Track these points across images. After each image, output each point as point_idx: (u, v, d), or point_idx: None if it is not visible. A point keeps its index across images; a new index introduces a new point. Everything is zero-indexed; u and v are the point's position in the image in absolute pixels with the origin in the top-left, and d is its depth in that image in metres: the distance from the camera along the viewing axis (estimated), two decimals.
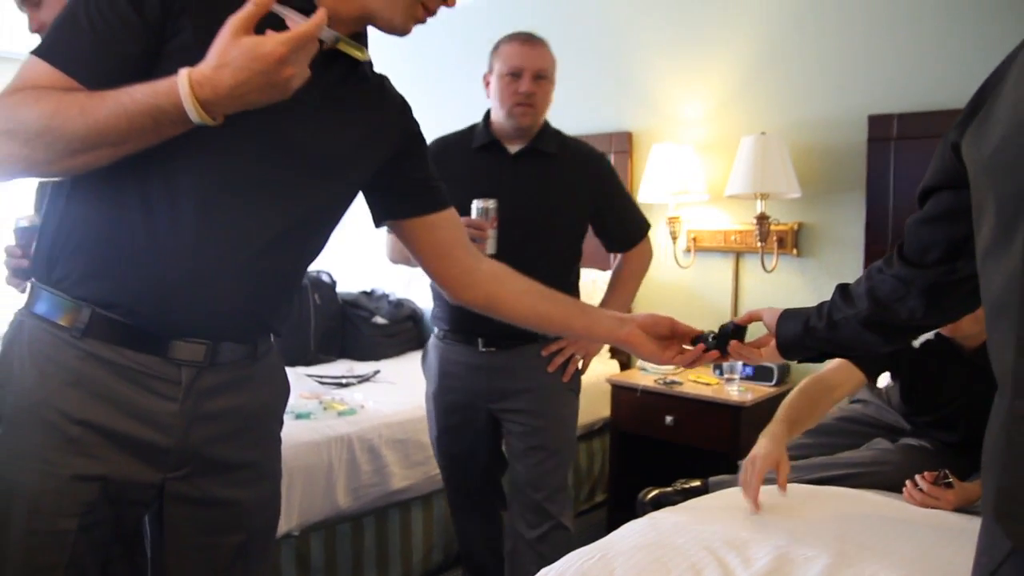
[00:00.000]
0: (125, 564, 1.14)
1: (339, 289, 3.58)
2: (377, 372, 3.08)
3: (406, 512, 2.54)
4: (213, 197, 1.01)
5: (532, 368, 2.06)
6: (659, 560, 1.37)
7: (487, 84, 2.05)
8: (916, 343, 1.87)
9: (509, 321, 1.37)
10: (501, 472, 2.18)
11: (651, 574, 1.33)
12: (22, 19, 1.49)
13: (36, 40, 1.41)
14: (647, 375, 2.95)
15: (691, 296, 3.15)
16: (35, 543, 0.99)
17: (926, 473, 1.72)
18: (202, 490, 1.10)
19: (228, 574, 1.16)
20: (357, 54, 1.05)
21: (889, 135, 2.63)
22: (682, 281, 3.16)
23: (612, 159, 3.18)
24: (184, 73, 0.87)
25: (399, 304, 3.61)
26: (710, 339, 1.32)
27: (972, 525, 0.90)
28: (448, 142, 2.11)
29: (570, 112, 3.24)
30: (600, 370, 3.10)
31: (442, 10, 1.10)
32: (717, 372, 2.85)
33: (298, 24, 0.89)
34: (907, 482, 1.74)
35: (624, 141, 3.28)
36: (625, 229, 2.19)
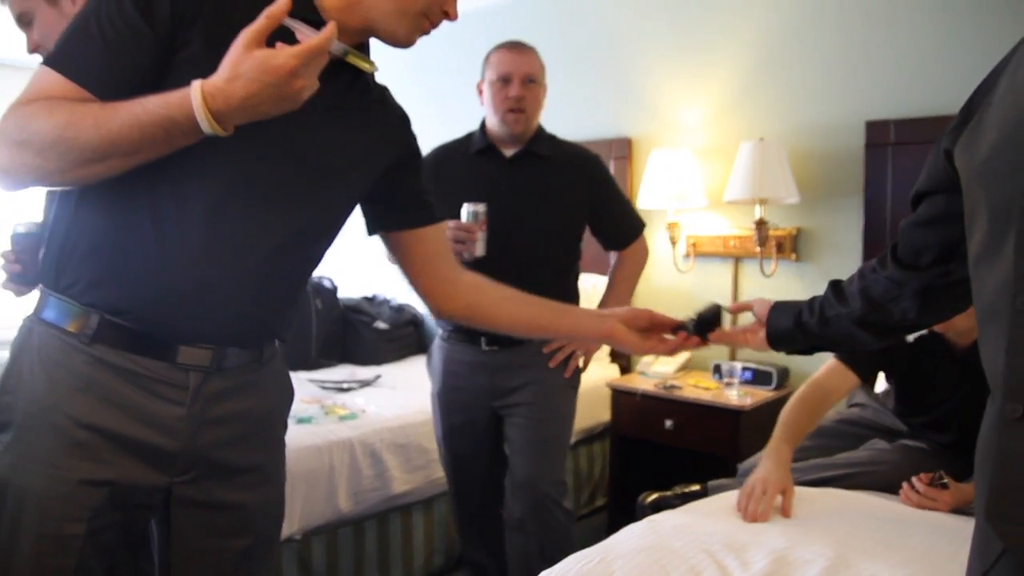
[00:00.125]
0: (130, 570, 1.15)
1: (340, 294, 3.60)
2: (378, 377, 3.09)
3: (407, 516, 2.55)
4: (221, 204, 1.02)
5: (533, 365, 2.12)
6: (658, 563, 1.38)
7: (480, 92, 2.14)
8: (909, 338, 1.88)
9: (493, 329, 1.39)
10: (502, 473, 2.21)
11: None
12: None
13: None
14: (647, 379, 2.96)
15: (691, 301, 3.16)
16: (44, 547, 1.00)
17: (922, 475, 1.74)
18: (209, 494, 1.11)
19: None
20: (366, 66, 1.06)
21: (886, 141, 2.65)
22: (682, 286, 3.17)
23: (612, 165, 3.20)
24: (197, 85, 0.88)
25: (400, 309, 3.63)
26: (690, 326, 1.35)
27: (968, 526, 0.91)
28: (447, 149, 2.21)
29: (570, 118, 3.26)
30: (600, 374, 3.12)
31: (444, 21, 1.11)
32: (717, 376, 2.86)
33: (308, 37, 0.91)
34: (904, 484, 1.75)
35: (623, 147, 3.30)
36: (620, 228, 2.25)
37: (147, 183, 0.99)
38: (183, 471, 1.09)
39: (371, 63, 1.06)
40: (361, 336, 3.46)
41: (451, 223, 1.99)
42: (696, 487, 2.12)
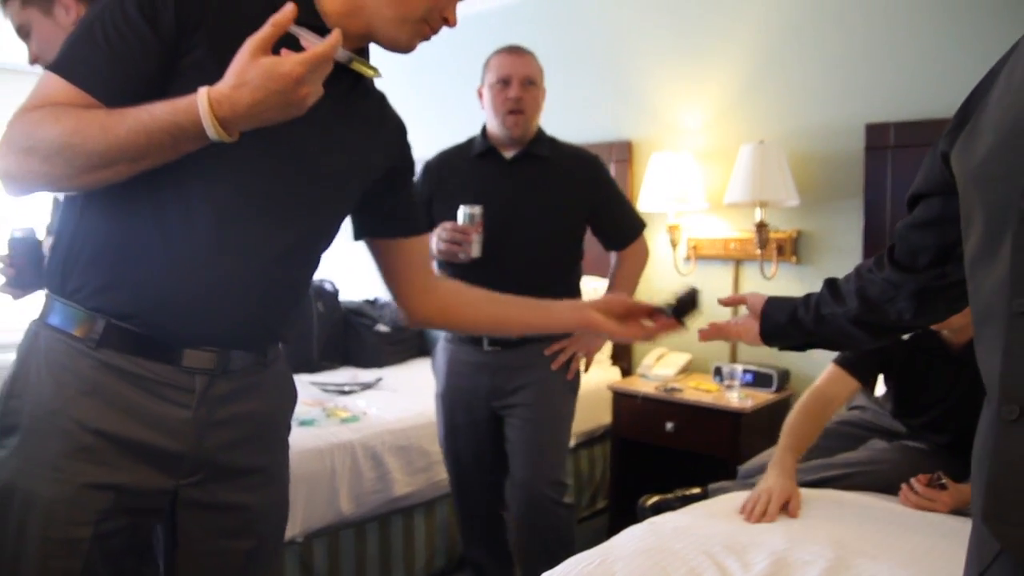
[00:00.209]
0: (135, 575, 1.15)
1: (342, 298, 3.61)
2: (380, 379, 3.09)
3: (409, 518, 2.55)
4: (226, 209, 1.03)
5: (534, 366, 2.14)
6: (659, 564, 1.38)
7: (480, 96, 2.18)
8: (905, 335, 1.89)
9: (469, 331, 1.40)
10: (503, 474, 2.22)
11: None
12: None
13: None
14: (648, 382, 2.97)
15: None
16: (50, 551, 1.00)
17: (920, 476, 1.74)
18: (214, 495, 1.12)
19: None
20: (370, 72, 1.07)
21: (886, 144, 2.66)
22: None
23: (612, 168, 3.21)
24: (203, 92, 0.89)
25: None
26: (667, 311, 1.35)
27: (967, 527, 0.92)
28: (449, 154, 2.25)
29: (570, 121, 3.27)
30: (601, 377, 3.12)
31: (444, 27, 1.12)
32: (717, 379, 2.86)
33: (313, 44, 0.92)
34: (903, 485, 1.76)
35: (624, 150, 3.31)
36: (621, 228, 2.27)
37: (152, 188, 0.99)
38: (189, 474, 1.09)
39: (374, 69, 1.08)
40: (363, 339, 3.47)
41: (447, 224, 2.01)
42: (696, 490, 2.12)
